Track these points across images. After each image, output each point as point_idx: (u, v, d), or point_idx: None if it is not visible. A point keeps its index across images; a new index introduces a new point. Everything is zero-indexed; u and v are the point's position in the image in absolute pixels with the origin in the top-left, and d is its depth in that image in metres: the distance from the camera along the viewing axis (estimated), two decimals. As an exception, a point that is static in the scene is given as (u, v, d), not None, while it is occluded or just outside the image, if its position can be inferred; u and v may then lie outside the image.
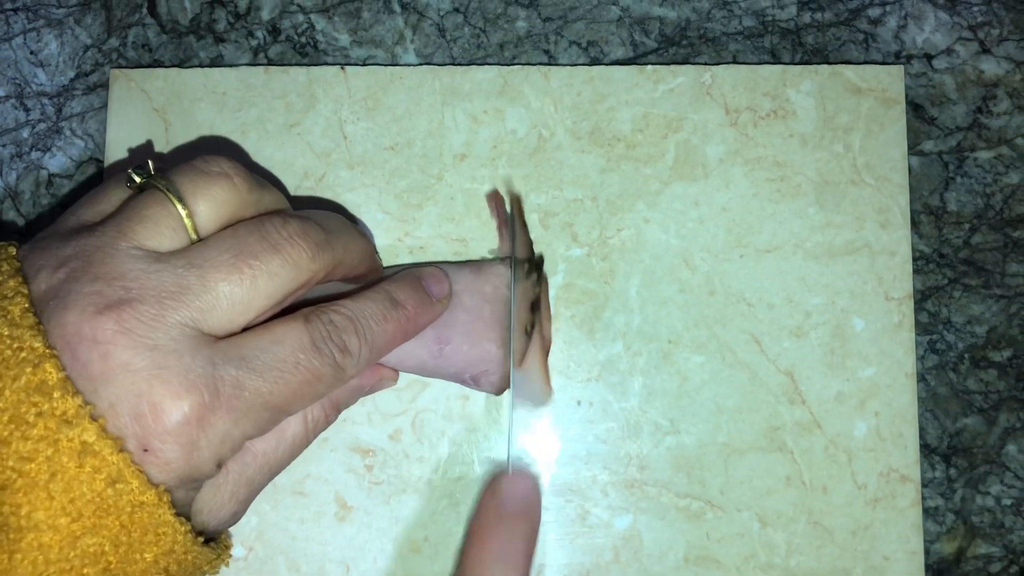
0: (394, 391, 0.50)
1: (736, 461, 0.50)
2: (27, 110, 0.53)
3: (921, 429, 0.51)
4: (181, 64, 0.53)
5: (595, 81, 0.52)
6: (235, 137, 0.51)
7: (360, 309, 0.40)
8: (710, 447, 0.50)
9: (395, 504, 0.49)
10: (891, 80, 0.52)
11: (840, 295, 0.50)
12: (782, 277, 0.51)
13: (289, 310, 0.38)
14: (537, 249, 0.51)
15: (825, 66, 0.52)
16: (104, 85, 0.53)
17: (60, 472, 0.31)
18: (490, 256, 0.51)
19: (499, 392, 0.48)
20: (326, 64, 0.53)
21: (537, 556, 0.49)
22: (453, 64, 0.53)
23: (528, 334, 0.46)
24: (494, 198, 0.51)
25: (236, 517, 0.40)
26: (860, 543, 0.49)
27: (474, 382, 0.47)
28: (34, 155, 0.53)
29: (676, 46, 0.53)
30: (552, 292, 0.50)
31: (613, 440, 0.50)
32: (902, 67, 0.52)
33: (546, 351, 0.49)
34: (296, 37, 0.53)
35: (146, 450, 0.33)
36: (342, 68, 0.52)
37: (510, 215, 0.50)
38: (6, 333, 0.32)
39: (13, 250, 0.36)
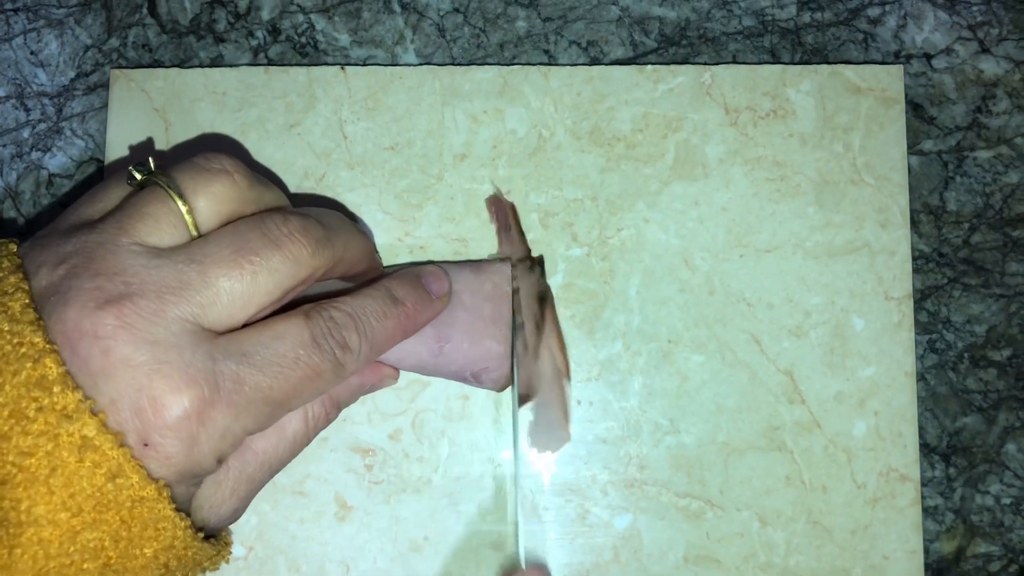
0: (394, 391, 0.50)
1: (736, 461, 0.50)
2: (27, 110, 0.53)
3: (921, 428, 0.51)
4: (181, 64, 0.53)
5: (595, 81, 0.52)
6: (235, 137, 0.51)
7: (360, 306, 0.40)
8: (710, 447, 0.50)
9: (395, 504, 0.49)
10: (891, 80, 0.52)
11: (840, 295, 0.50)
12: (782, 277, 0.51)
13: (289, 308, 0.38)
14: (537, 249, 0.51)
15: (825, 66, 0.52)
16: (104, 85, 0.53)
17: (60, 467, 0.31)
18: (490, 257, 0.51)
19: (501, 389, 0.48)
20: (326, 64, 0.53)
21: (537, 556, 0.49)
22: (453, 64, 0.53)
23: (539, 328, 0.47)
24: (494, 202, 0.51)
25: (237, 514, 0.40)
26: (860, 542, 0.49)
27: (475, 379, 0.47)
28: (34, 155, 0.53)
29: (676, 46, 0.53)
30: (552, 292, 0.50)
31: (613, 440, 0.50)
32: (901, 67, 0.52)
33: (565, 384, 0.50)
34: (296, 37, 0.54)
35: (146, 445, 0.33)
36: (342, 68, 0.52)
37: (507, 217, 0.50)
38: (6, 329, 0.32)
39: (14, 247, 0.36)
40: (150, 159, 0.38)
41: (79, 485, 0.31)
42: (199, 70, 0.52)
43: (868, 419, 0.50)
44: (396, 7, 0.54)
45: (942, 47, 0.53)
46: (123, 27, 0.54)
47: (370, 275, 0.44)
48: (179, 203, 0.36)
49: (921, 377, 0.52)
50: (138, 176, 0.37)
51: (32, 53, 0.54)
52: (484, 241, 0.51)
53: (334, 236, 0.39)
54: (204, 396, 0.33)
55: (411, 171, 0.51)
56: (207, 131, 0.51)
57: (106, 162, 0.51)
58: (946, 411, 0.52)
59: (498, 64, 0.53)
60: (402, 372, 0.47)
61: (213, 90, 0.52)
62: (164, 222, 0.36)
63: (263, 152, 0.51)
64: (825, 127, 0.51)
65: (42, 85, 0.53)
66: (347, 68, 0.52)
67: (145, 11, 0.54)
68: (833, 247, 0.51)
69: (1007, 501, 0.51)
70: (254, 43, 0.54)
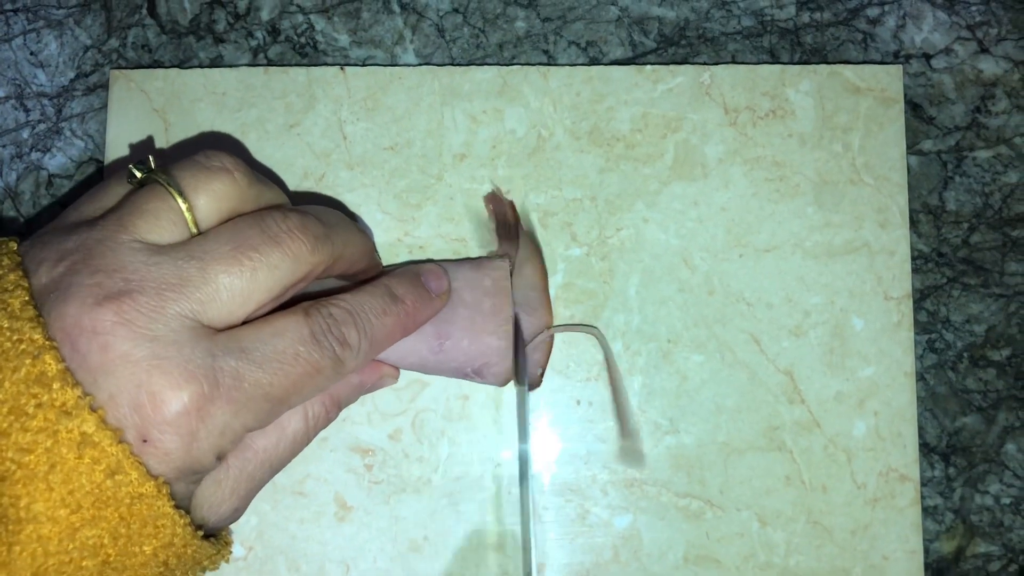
0: (394, 391, 0.50)
1: (735, 460, 0.50)
2: (27, 111, 0.53)
3: (920, 428, 0.51)
4: (181, 64, 0.53)
5: (594, 81, 0.52)
6: (235, 137, 0.52)
7: (359, 303, 0.40)
8: (710, 447, 0.50)
9: (395, 504, 0.49)
10: (890, 80, 0.52)
11: (839, 294, 0.50)
12: (781, 277, 0.51)
13: (289, 306, 0.38)
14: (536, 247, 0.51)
15: (824, 66, 0.52)
16: (104, 86, 0.53)
17: (59, 463, 0.31)
18: (489, 255, 0.51)
19: (503, 383, 0.48)
20: (326, 64, 0.53)
21: (535, 556, 0.49)
22: (452, 64, 0.53)
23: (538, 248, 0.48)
24: (492, 199, 0.51)
25: (237, 514, 0.39)
26: (859, 542, 0.49)
27: (477, 375, 0.47)
28: (34, 156, 0.53)
29: (675, 46, 0.53)
30: (552, 292, 0.50)
31: (613, 440, 0.50)
32: (901, 67, 0.52)
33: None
34: (296, 37, 0.54)
35: (145, 441, 0.33)
36: (341, 68, 0.52)
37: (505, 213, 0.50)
38: (6, 325, 0.32)
39: (14, 245, 0.36)
40: (150, 157, 0.38)
41: (78, 482, 0.31)
42: (199, 70, 0.52)
43: (868, 419, 0.50)
44: (395, 7, 0.54)
45: (941, 47, 0.53)
46: (123, 27, 0.54)
47: (369, 274, 0.44)
48: (179, 200, 0.36)
49: (921, 377, 0.52)
50: (138, 174, 0.37)
51: (32, 54, 0.54)
52: (483, 241, 0.51)
53: (333, 233, 0.39)
54: (203, 392, 0.33)
55: (410, 171, 0.51)
56: (207, 131, 0.52)
57: (106, 162, 0.51)
58: (946, 411, 0.52)
59: (497, 64, 0.53)
60: (402, 372, 0.47)
61: (213, 90, 0.52)
62: (164, 219, 0.36)
63: (263, 152, 0.51)
64: (824, 127, 0.51)
65: (42, 86, 0.53)
66: (346, 68, 0.52)
67: (145, 11, 0.54)
68: (832, 247, 0.51)
69: (1007, 501, 0.51)
70: (254, 43, 0.54)
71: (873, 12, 0.53)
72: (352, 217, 0.50)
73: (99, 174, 0.53)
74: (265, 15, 0.54)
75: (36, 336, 0.32)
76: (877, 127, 0.51)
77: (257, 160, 0.51)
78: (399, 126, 0.52)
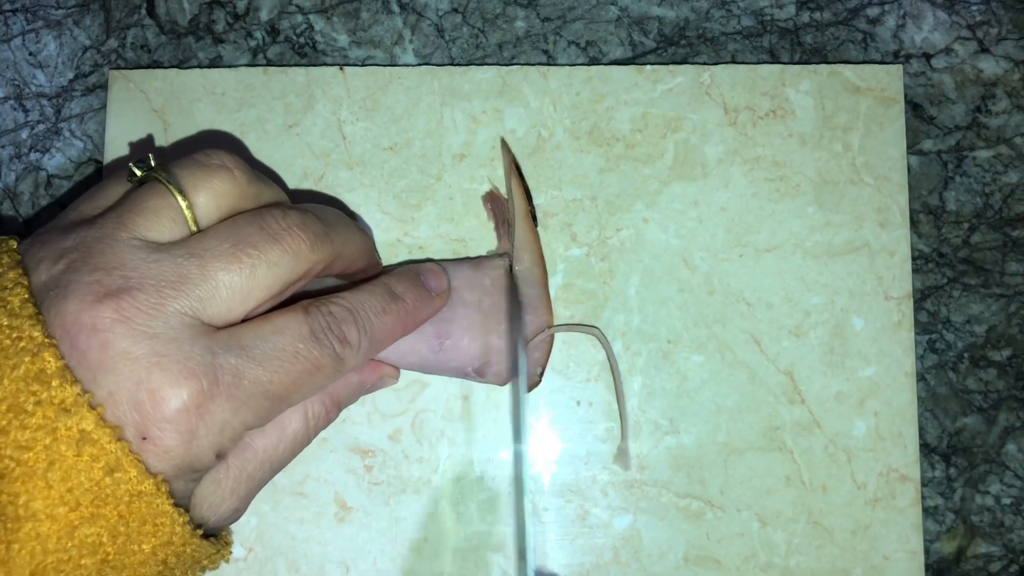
0: (393, 391, 0.50)
1: (736, 461, 0.50)
2: (26, 111, 0.53)
3: (921, 429, 0.51)
4: (180, 65, 0.53)
5: (594, 81, 0.52)
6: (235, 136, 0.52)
7: (359, 301, 0.40)
8: (710, 447, 0.50)
9: (395, 504, 0.49)
10: (890, 79, 0.52)
11: (839, 294, 0.50)
12: (781, 276, 0.51)
13: (288, 304, 0.38)
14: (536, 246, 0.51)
15: (824, 65, 0.52)
16: (103, 86, 0.53)
17: (58, 461, 0.31)
18: (488, 254, 0.51)
19: (504, 383, 0.48)
20: (325, 64, 0.53)
21: (536, 557, 0.49)
22: (452, 64, 0.53)
23: (534, 217, 0.47)
24: (490, 199, 0.51)
25: (237, 514, 0.39)
26: (860, 543, 0.49)
27: (478, 374, 0.47)
28: (33, 156, 0.53)
29: (675, 46, 0.53)
30: (552, 292, 0.50)
31: (613, 440, 0.50)
32: (901, 66, 0.52)
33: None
34: (295, 38, 0.54)
35: (144, 438, 0.32)
36: (341, 68, 0.52)
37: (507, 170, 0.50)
38: (5, 323, 0.32)
39: (14, 243, 0.36)
40: (150, 156, 0.38)
41: (77, 479, 0.31)
42: (198, 71, 0.52)
43: (868, 419, 0.50)
44: (395, 7, 0.54)
45: (941, 47, 0.53)
46: (122, 28, 0.54)
47: (369, 273, 0.44)
48: (178, 198, 0.36)
49: (921, 377, 0.52)
50: (138, 172, 0.37)
51: (31, 54, 0.54)
52: (483, 241, 0.51)
53: (333, 231, 0.39)
54: (203, 389, 0.33)
55: (410, 171, 0.51)
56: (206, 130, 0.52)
57: (105, 163, 0.51)
58: (946, 411, 0.52)
59: (497, 64, 0.53)
60: (402, 372, 0.47)
61: (212, 91, 0.52)
62: (163, 217, 0.36)
63: (262, 152, 0.51)
64: (824, 127, 0.51)
65: (41, 86, 0.53)
66: (346, 68, 0.52)
67: (144, 12, 0.54)
68: (832, 247, 0.51)
69: (1007, 501, 0.51)
70: (253, 44, 0.54)
71: (873, 12, 0.53)
72: (352, 216, 0.50)
73: (98, 174, 0.53)
74: (264, 15, 0.54)
75: (35, 333, 0.32)
76: (877, 127, 0.51)
77: (256, 160, 0.51)
78: (398, 126, 0.52)
